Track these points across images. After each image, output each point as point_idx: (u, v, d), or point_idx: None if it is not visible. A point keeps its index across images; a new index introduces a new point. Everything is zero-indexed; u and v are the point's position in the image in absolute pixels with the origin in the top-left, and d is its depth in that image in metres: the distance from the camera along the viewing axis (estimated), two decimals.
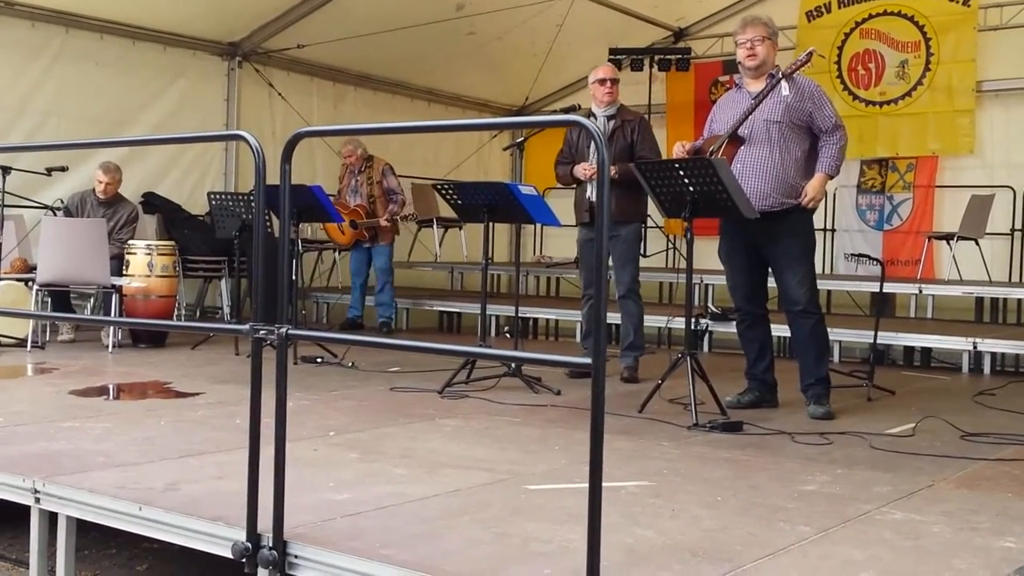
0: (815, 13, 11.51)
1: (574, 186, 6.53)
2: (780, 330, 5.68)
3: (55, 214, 8.07)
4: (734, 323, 7.76)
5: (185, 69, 10.03)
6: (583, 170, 6.25)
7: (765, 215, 5.10)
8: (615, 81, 6.36)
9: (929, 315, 9.03)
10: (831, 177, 5.22)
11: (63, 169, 8.17)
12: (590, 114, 6.43)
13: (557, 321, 10.12)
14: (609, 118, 6.35)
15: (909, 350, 8.27)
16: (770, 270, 5.34)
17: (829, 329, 5.46)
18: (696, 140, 5.46)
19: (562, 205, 6.92)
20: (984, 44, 10.57)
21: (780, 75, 5.17)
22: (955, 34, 10.69)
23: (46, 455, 3.89)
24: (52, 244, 7.20)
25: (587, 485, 2.23)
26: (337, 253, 10.34)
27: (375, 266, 9.24)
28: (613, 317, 6.46)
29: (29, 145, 8.49)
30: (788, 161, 5.14)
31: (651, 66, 12.01)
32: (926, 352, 8.09)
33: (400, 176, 11.45)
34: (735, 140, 5.22)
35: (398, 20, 9.97)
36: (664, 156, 6.65)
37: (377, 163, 9.21)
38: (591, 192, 6.27)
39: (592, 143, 6.12)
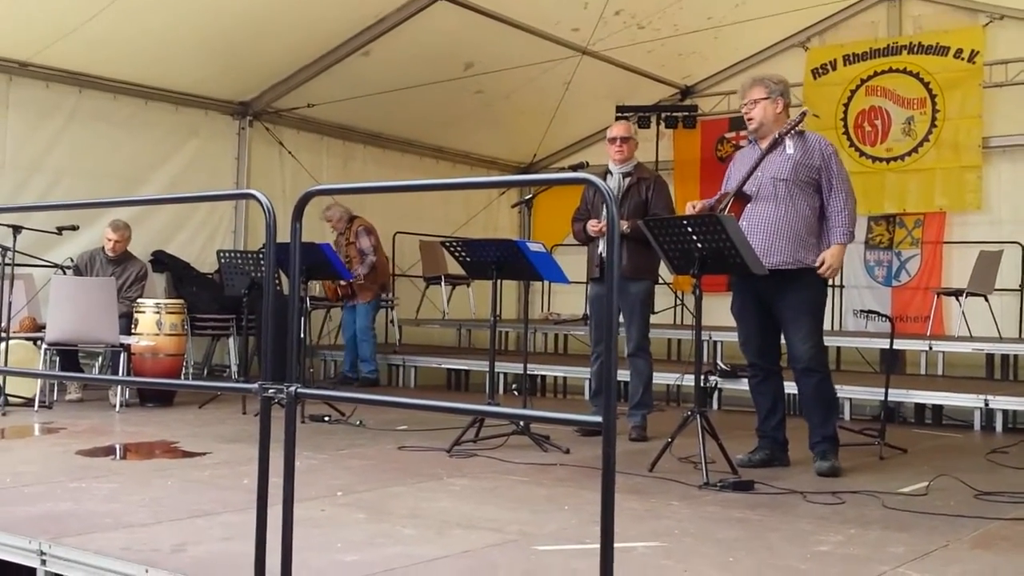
0: (820, 71, 11.62)
1: (588, 243, 6.56)
2: (792, 387, 5.64)
3: (64, 272, 8.11)
4: (744, 379, 7.82)
5: (197, 128, 10.15)
6: (593, 226, 6.28)
7: (775, 272, 5.11)
8: (625, 139, 6.39)
9: (940, 372, 8.98)
10: (846, 244, 5.22)
11: (74, 228, 8.24)
12: (607, 171, 6.47)
13: (566, 378, 10.08)
14: (625, 175, 6.38)
15: (920, 407, 8.21)
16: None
17: (839, 386, 5.45)
18: (707, 199, 5.47)
19: (570, 262, 6.94)
20: (990, 100, 10.64)
21: (779, 134, 5.20)
22: (961, 91, 10.77)
23: (52, 516, 3.87)
24: (61, 303, 7.23)
25: (598, 546, 2.21)
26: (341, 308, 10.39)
27: (356, 325, 9.51)
28: (623, 374, 6.44)
29: (40, 205, 8.56)
30: (796, 218, 5.15)
31: (658, 123, 12.11)
32: (937, 409, 8.03)
33: (408, 233, 11.60)
34: (741, 197, 5.23)
35: (407, 79, 10.10)
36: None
37: (355, 224, 9.50)
38: (603, 248, 6.29)
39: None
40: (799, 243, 5.15)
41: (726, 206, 5.21)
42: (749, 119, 5.30)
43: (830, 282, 5.39)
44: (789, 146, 5.19)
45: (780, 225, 5.15)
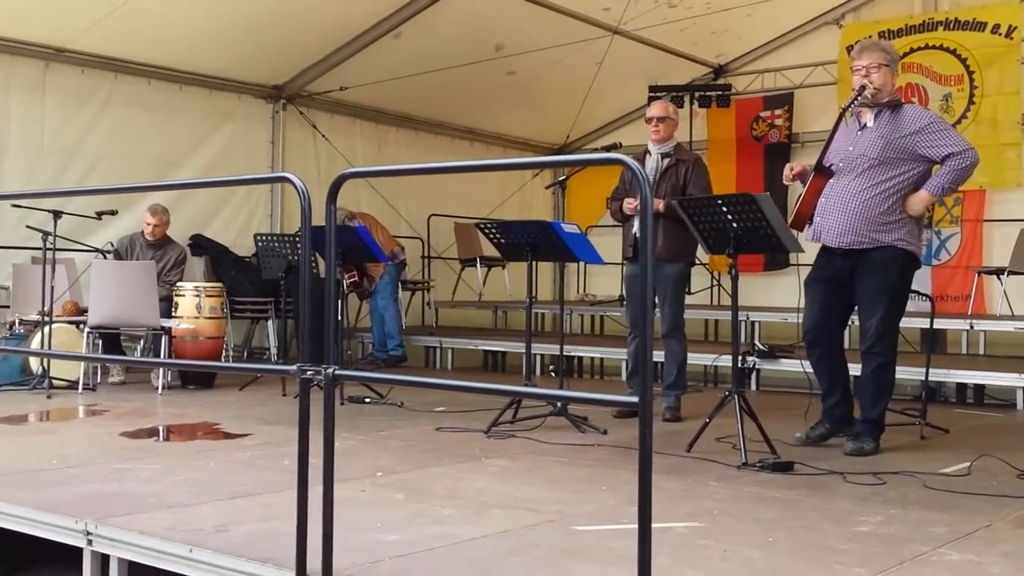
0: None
1: (624, 223, 6.53)
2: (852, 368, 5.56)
3: (105, 257, 8.20)
4: (783, 360, 7.78)
5: (231, 112, 10.20)
6: (628, 205, 6.25)
7: (851, 251, 5.03)
8: (662, 119, 6.33)
9: (981, 351, 8.88)
10: (935, 197, 5.08)
11: (113, 213, 8.32)
12: (646, 151, 6.42)
13: (602, 359, 10.08)
14: (663, 156, 6.34)
15: (962, 387, 8.12)
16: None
17: None
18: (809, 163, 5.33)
19: (605, 243, 6.93)
20: None
21: (846, 107, 5.09)
22: (998, 67, 10.59)
23: (98, 497, 3.92)
24: (102, 287, 7.32)
25: (636, 526, 2.20)
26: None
27: (378, 304, 9.61)
28: (659, 355, 6.41)
29: (79, 189, 8.66)
30: (875, 195, 4.99)
31: (691, 102, 12.03)
32: (979, 389, 7.94)
33: (443, 216, 11.62)
34: (822, 172, 5.11)
35: (438, 61, 10.08)
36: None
37: (358, 220, 9.45)
38: (636, 228, 6.27)
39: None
40: (877, 222, 4.99)
41: (807, 181, 5.12)
42: (869, 82, 5.01)
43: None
44: (879, 122, 5.05)
45: (856, 203, 5.00)
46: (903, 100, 5.24)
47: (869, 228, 5.00)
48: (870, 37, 10.98)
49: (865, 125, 5.10)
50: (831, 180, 5.10)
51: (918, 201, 5.02)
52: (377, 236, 9.65)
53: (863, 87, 5.03)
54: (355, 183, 10.34)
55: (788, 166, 5.28)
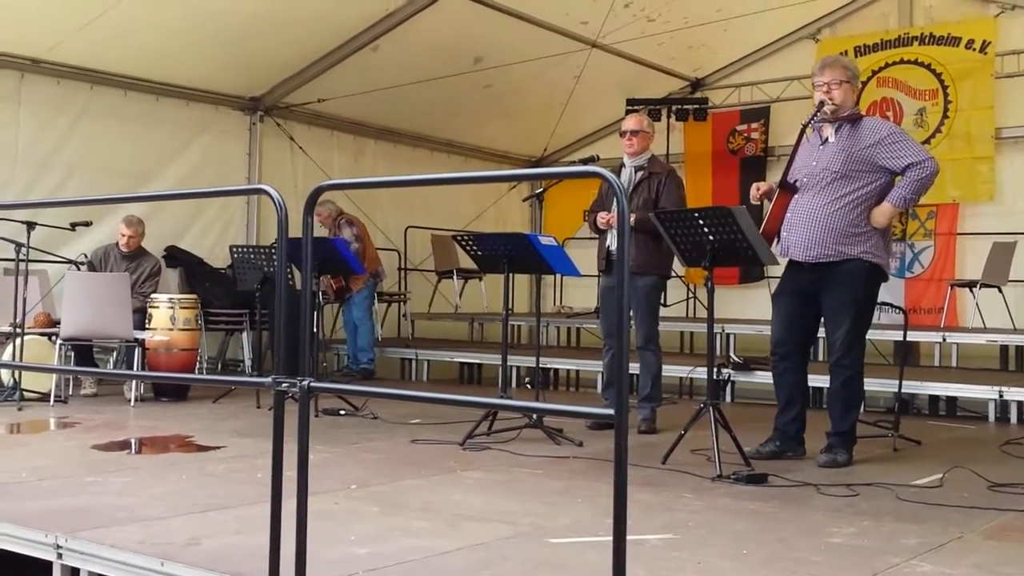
0: None
1: (600, 235, 6.56)
2: (820, 381, 5.60)
3: (79, 268, 8.15)
4: (758, 372, 7.81)
5: (208, 124, 10.17)
6: (601, 218, 6.29)
7: (817, 265, 5.07)
8: (635, 132, 6.36)
9: (954, 363, 8.94)
10: (898, 208, 5.12)
11: (87, 224, 8.28)
12: (621, 164, 6.45)
13: (578, 372, 10.09)
14: (637, 169, 6.37)
15: (934, 399, 8.18)
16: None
17: None
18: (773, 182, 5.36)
19: (582, 255, 6.95)
20: (1002, 91, 10.58)
21: (807, 123, 5.15)
22: (972, 81, 10.71)
23: (68, 510, 3.89)
24: (76, 298, 7.26)
25: (611, 538, 2.21)
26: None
27: (353, 316, 9.60)
28: (634, 367, 6.43)
29: (53, 201, 8.59)
30: (840, 208, 5.03)
31: (669, 116, 12.10)
32: (951, 401, 8.00)
33: (420, 228, 11.62)
34: (787, 189, 5.16)
35: (417, 74, 10.09)
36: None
37: (340, 218, 9.62)
38: (610, 241, 6.30)
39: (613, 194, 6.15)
40: (842, 235, 5.03)
41: (773, 199, 5.17)
42: (829, 99, 5.09)
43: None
44: (839, 136, 5.11)
45: (820, 217, 5.05)
46: (862, 114, 5.32)
47: (835, 241, 5.05)
48: (843, 53, 11.11)
49: (827, 140, 5.16)
50: (796, 196, 5.16)
51: (881, 213, 5.08)
52: (368, 246, 9.67)
53: (822, 103, 5.12)
54: (333, 195, 10.33)
55: (755, 186, 5.33)
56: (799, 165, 5.22)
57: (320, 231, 9.41)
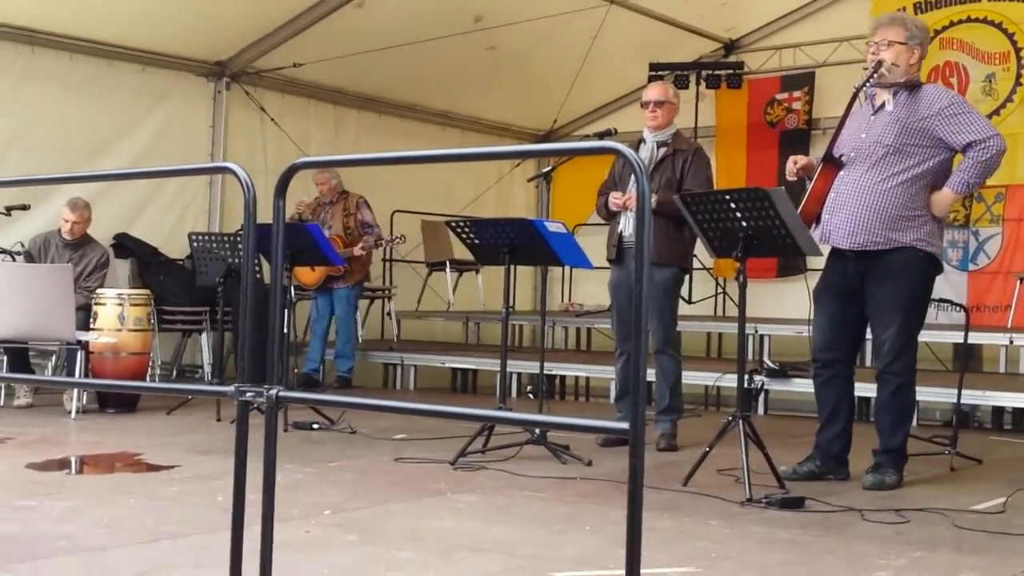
0: None
1: (610, 220, 6.56)
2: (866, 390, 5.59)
3: (14, 259, 8.17)
4: (795, 380, 7.83)
5: (166, 92, 10.18)
6: (615, 199, 6.27)
7: (863, 253, 5.07)
8: (660, 103, 6.36)
9: (1021, 370, 8.95)
10: (960, 195, 5.14)
11: (24, 208, 8.28)
12: (640, 139, 6.46)
13: (588, 379, 10.11)
14: (660, 144, 6.37)
15: (998, 411, 8.20)
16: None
17: None
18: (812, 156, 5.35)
19: (594, 244, 6.95)
20: None
21: (859, 87, 5.13)
22: None
23: None
24: (9, 293, 7.26)
25: (623, 572, 2.22)
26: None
27: (336, 314, 9.58)
28: (650, 374, 6.44)
29: None
30: (892, 188, 5.03)
31: (698, 83, 12.09)
32: (1019, 413, 8.02)
33: (409, 212, 11.61)
34: (832, 164, 5.15)
35: (408, 35, 10.08)
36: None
37: (352, 196, 9.63)
38: (623, 225, 6.30)
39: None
40: (893, 219, 5.03)
41: (814, 176, 5.15)
42: (876, 62, 5.07)
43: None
44: (896, 104, 5.10)
45: (868, 197, 5.05)
46: (921, 82, 5.28)
47: (884, 226, 5.03)
48: (901, 10, 11.08)
49: (882, 106, 5.14)
50: (841, 172, 5.14)
51: (941, 201, 5.07)
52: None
53: (879, 63, 5.09)
54: (308, 174, 10.34)
55: (791, 159, 5.31)
56: (846, 137, 5.21)
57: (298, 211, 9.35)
